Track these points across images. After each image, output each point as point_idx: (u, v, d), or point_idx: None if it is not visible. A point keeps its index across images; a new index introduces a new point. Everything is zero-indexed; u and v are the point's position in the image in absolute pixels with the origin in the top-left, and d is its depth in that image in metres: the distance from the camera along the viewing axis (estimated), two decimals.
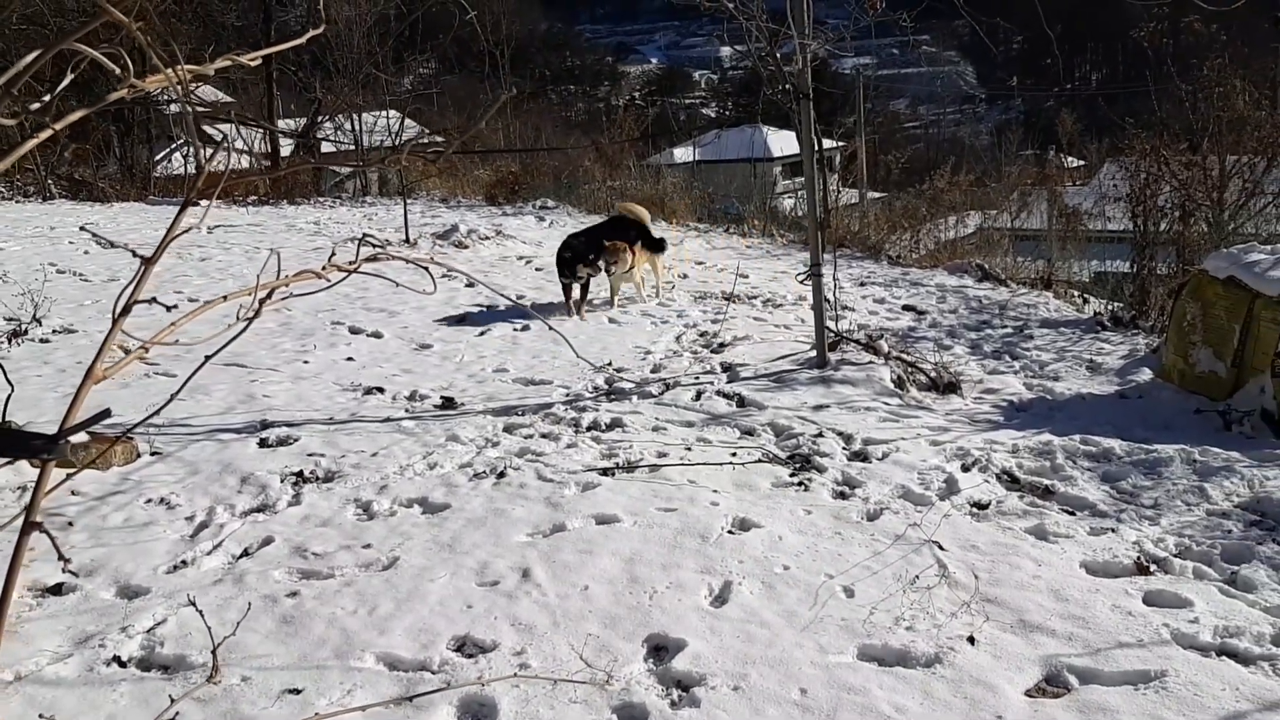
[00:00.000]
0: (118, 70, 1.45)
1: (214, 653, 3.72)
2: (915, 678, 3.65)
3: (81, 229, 12.93)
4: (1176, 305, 7.55)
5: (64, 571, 4.35)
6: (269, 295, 1.49)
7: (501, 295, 4.77)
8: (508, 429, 6.49)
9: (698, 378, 7.75)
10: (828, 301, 7.97)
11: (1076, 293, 12.15)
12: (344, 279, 1.71)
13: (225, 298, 1.54)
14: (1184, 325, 7.32)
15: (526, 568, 4.52)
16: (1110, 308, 10.40)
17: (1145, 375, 7.69)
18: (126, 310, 1.37)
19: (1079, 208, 13.45)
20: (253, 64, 1.65)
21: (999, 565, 4.51)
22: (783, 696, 3.52)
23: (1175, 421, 6.74)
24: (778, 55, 7.96)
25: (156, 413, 2.16)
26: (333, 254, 1.85)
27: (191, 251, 13.48)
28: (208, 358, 1.93)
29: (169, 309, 1.59)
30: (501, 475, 5.63)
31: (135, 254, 1.52)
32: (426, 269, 2.07)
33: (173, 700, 3.47)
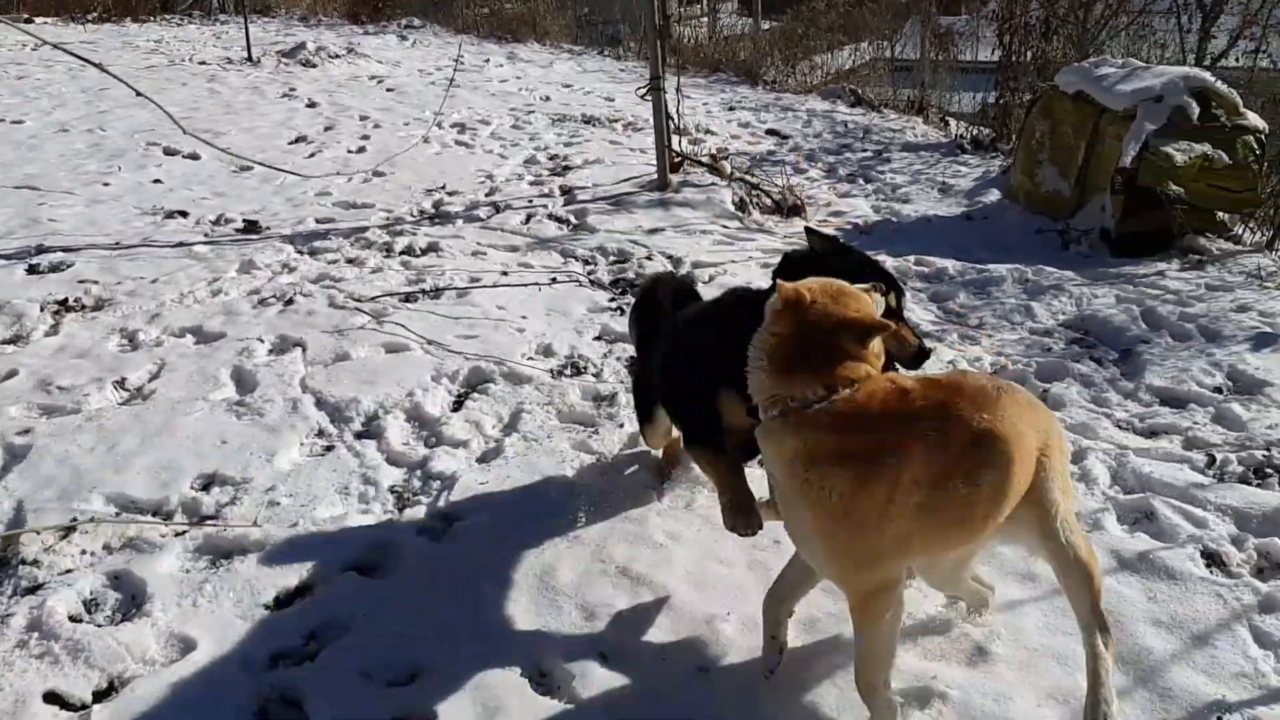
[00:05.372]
0: None
1: None
2: None
3: None
4: (1026, 123, 7.29)
5: None
6: None
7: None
8: (311, 253, 5.99)
9: (531, 200, 7.26)
10: (670, 119, 7.48)
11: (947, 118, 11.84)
12: None
13: None
14: (1032, 144, 7.07)
15: (296, 399, 4.14)
16: (971, 131, 10.13)
17: (993, 196, 7.49)
18: None
19: (952, 28, 13.02)
20: None
21: None
22: None
23: (1016, 242, 6.56)
24: None
25: None
26: None
27: (9, 70, 12.29)
28: None
29: None
30: (290, 302, 5.16)
31: None
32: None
33: None
